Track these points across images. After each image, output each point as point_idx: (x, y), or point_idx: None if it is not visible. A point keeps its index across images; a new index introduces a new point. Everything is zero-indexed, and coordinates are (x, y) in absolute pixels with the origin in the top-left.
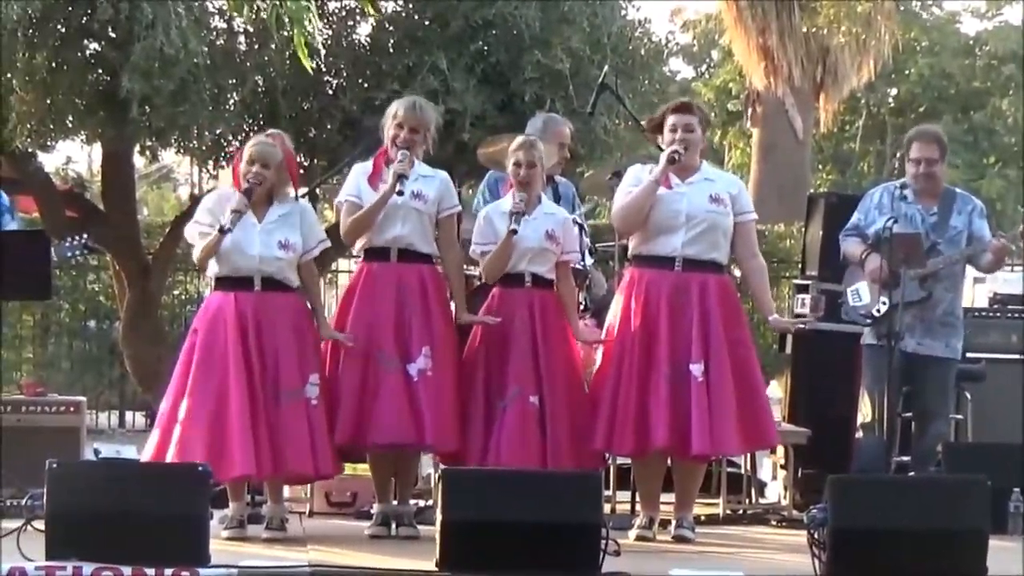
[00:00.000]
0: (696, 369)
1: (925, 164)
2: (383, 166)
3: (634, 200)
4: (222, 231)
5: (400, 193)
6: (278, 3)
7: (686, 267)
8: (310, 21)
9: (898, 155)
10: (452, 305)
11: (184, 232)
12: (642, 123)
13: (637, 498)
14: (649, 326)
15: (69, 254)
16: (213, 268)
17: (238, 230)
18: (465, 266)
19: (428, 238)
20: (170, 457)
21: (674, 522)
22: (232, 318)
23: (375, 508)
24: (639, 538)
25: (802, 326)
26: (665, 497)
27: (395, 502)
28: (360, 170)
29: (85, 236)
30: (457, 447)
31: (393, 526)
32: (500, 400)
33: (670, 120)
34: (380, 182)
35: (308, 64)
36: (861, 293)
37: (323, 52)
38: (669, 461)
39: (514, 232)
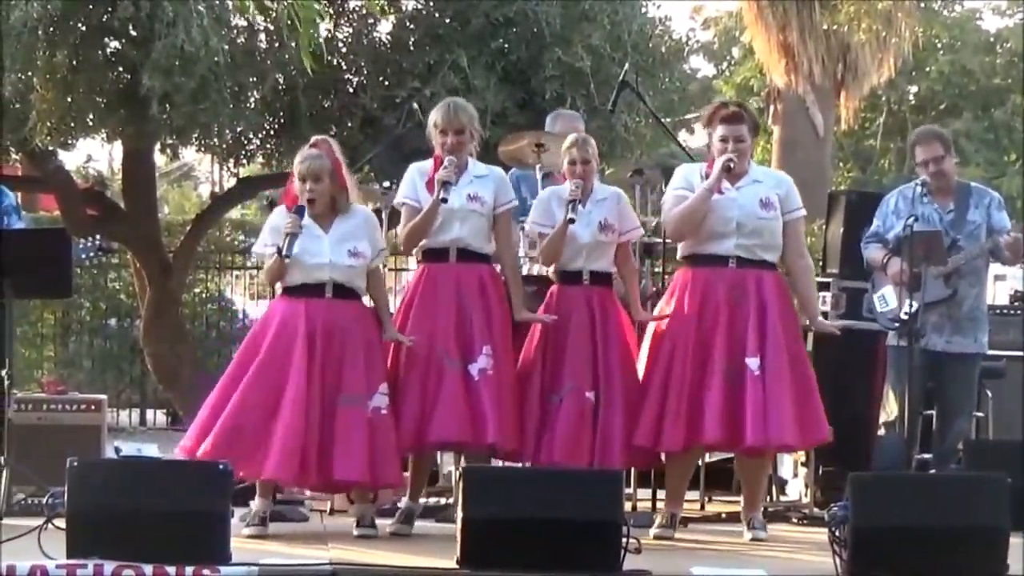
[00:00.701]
0: (752, 363)
1: (933, 163)
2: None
3: (689, 209)
4: (280, 254)
5: (444, 201)
6: (290, 3)
7: (740, 265)
8: (320, 20)
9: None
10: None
11: (254, 251)
12: (662, 120)
13: (658, 495)
14: (706, 325)
15: (83, 255)
16: (281, 284)
17: (307, 242)
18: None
19: (487, 239)
20: (208, 444)
21: (746, 523)
22: (302, 327)
23: (403, 503)
24: (658, 537)
25: (836, 331)
26: (687, 495)
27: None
28: (417, 171)
29: (99, 237)
30: (517, 446)
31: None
32: (555, 395)
33: (720, 130)
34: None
35: (310, 64)
36: (887, 298)
37: (343, 50)
38: (694, 462)
39: (572, 221)
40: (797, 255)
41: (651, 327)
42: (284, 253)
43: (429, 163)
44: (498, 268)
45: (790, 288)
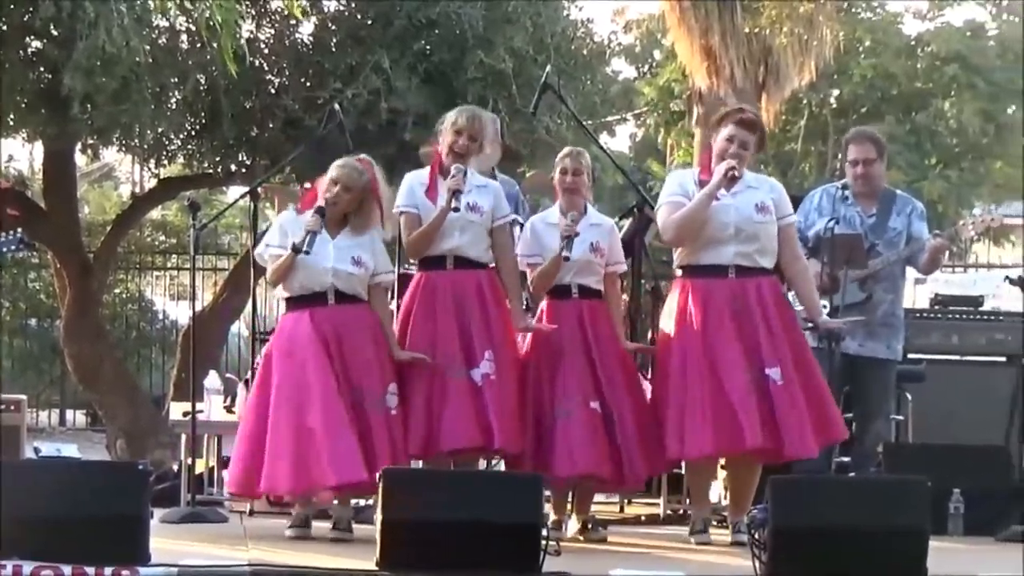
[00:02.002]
0: (774, 374)
1: (863, 165)
2: (438, 174)
3: (690, 214)
4: (295, 250)
5: (456, 210)
6: (208, 6)
7: (740, 274)
8: (243, 21)
9: (839, 157)
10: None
11: (254, 253)
12: (584, 122)
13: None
14: (713, 332)
15: (4, 250)
16: (283, 290)
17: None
18: (406, 265)
19: (485, 248)
20: (261, 484)
21: (731, 526)
22: (310, 334)
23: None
24: (700, 543)
25: (843, 326)
26: (605, 497)
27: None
28: (414, 179)
29: (20, 231)
30: (521, 449)
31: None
32: (559, 411)
33: (730, 129)
34: (436, 192)
35: (233, 67)
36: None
37: (265, 51)
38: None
39: (566, 259)
40: (793, 258)
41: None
42: (304, 249)
43: (426, 171)
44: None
45: (788, 291)
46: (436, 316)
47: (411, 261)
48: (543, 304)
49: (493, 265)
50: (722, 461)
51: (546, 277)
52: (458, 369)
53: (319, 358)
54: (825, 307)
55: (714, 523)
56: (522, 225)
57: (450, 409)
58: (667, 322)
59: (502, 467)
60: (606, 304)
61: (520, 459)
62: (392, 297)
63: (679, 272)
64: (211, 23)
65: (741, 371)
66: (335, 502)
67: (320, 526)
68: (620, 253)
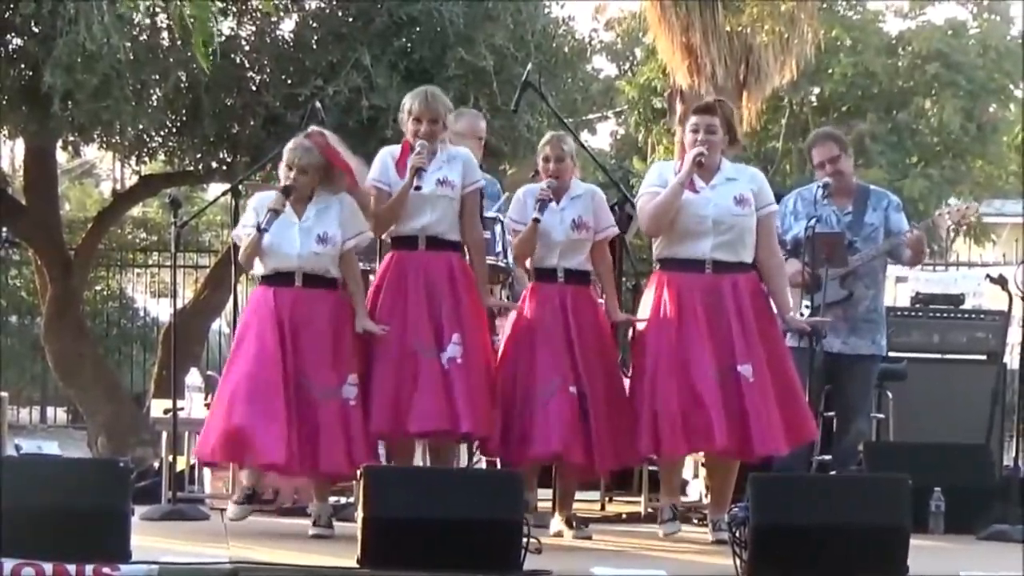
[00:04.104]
0: (745, 370)
1: (830, 164)
2: (410, 152)
3: (661, 205)
4: (259, 230)
5: (418, 188)
6: (180, 3)
7: (716, 269)
8: (223, 18)
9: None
10: None
11: (232, 235)
12: (565, 120)
13: (590, 494)
14: (686, 328)
15: None
16: (258, 267)
17: (278, 228)
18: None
19: (457, 225)
20: (204, 445)
21: (711, 524)
22: (270, 314)
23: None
24: (667, 533)
25: (806, 327)
26: (587, 495)
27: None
28: (388, 154)
29: (3, 229)
30: (490, 432)
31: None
32: (541, 391)
33: (692, 120)
34: (405, 169)
35: (206, 64)
36: None
37: (246, 48)
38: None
39: (536, 220)
40: (769, 253)
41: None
42: (264, 227)
43: (398, 147)
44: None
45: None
46: (407, 297)
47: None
48: (529, 285)
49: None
50: (702, 459)
51: (524, 242)
52: (428, 351)
53: (275, 339)
54: (808, 306)
55: (694, 521)
56: (503, 223)
57: (420, 391)
58: (643, 315)
59: (483, 464)
60: (591, 289)
61: (489, 442)
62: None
63: (656, 265)
64: (184, 20)
65: (711, 368)
66: (314, 499)
67: (300, 523)
68: (608, 218)
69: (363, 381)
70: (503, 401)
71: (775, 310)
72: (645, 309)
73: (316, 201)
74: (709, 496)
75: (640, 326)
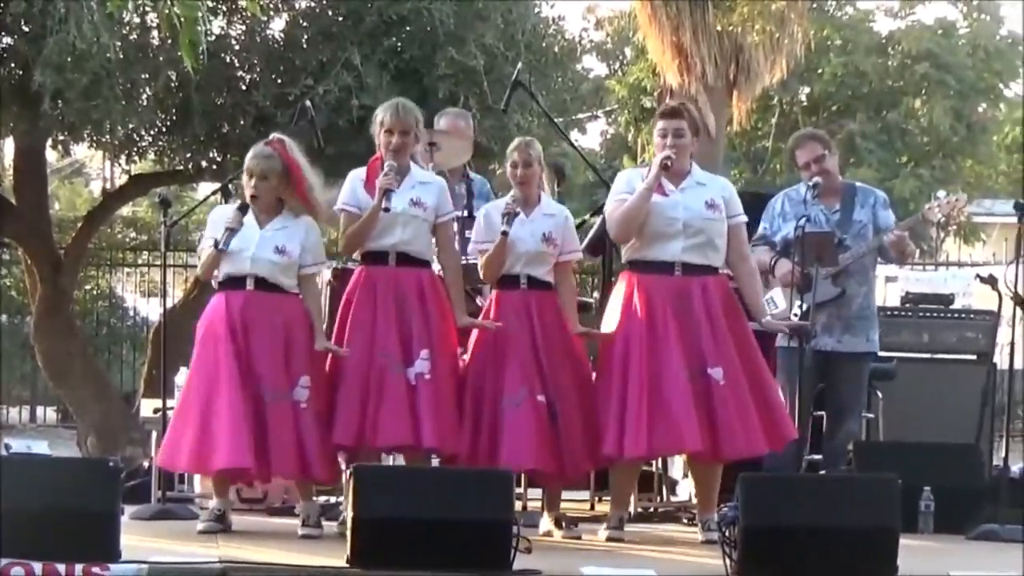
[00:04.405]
0: (716, 373)
1: (815, 164)
2: (377, 170)
3: (630, 209)
4: (217, 248)
5: (387, 210)
6: (168, 2)
7: (686, 272)
8: (213, 19)
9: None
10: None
11: (198, 250)
12: (555, 119)
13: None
14: (655, 329)
15: None
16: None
17: (240, 234)
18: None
19: (427, 244)
20: (162, 453)
21: (700, 523)
22: (222, 317)
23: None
24: (611, 539)
25: (785, 329)
26: (576, 495)
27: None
28: (356, 177)
29: None
30: (459, 450)
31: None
32: (508, 401)
33: (660, 125)
34: (375, 188)
35: (193, 64)
36: (776, 300)
37: (236, 47)
38: (641, 465)
39: (504, 234)
40: (740, 258)
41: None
42: (220, 247)
43: (364, 169)
44: (438, 270)
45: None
46: (376, 311)
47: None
48: (492, 295)
49: (437, 265)
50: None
51: (493, 261)
52: (396, 365)
53: (227, 343)
54: (802, 306)
55: (684, 520)
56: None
57: (384, 405)
58: (611, 316)
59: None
60: (555, 295)
61: (455, 460)
62: None
63: (626, 266)
64: (172, 19)
65: (680, 371)
66: (300, 499)
67: (289, 523)
68: (574, 242)
69: (329, 394)
70: (471, 412)
71: (750, 314)
72: (614, 310)
73: (284, 218)
74: (695, 497)
75: (607, 329)
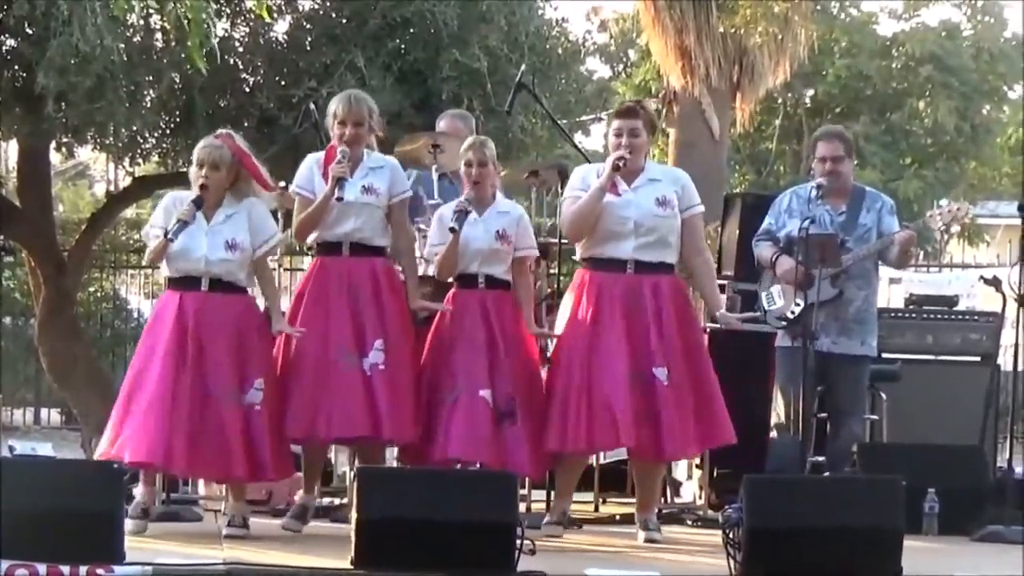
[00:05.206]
0: (660, 373)
1: (831, 162)
2: (334, 157)
3: (582, 209)
4: (167, 237)
5: (340, 199)
6: (176, 3)
7: (638, 270)
8: (218, 20)
9: (810, 157)
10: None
11: (141, 234)
12: (559, 121)
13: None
14: (602, 328)
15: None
16: (165, 269)
17: (184, 234)
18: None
19: (382, 231)
20: (104, 444)
21: (640, 524)
22: (173, 317)
23: (298, 498)
24: (549, 535)
25: (741, 325)
26: (580, 496)
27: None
28: (313, 160)
29: (1, 237)
30: (415, 439)
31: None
32: (449, 396)
33: (615, 124)
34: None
35: (202, 65)
36: (775, 296)
37: (240, 49)
38: (595, 461)
39: (453, 231)
40: (696, 252)
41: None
42: (170, 236)
43: (323, 153)
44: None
45: (690, 286)
46: (329, 302)
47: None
48: (451, 292)
49: (390, 252)
50: (696, 460)
51: (446, 260)
52: (348, 356)
53: (172, 345)
54: (799, 304)
55: (688, 522)
56: None
57: (336, 396)
58: (563, 313)
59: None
60: (512, 295)
61: (413, 448)
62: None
63: (581, 263)
64: (180, 21)
65: (623, 368)
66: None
67: (273, 522)
68: (529, 239)
69: (281, 386)
70: (425, 405)
71: (707, 308)
72: (566, 307)
73: (226, 207)
74: (638, 497)
75: (559, 329)
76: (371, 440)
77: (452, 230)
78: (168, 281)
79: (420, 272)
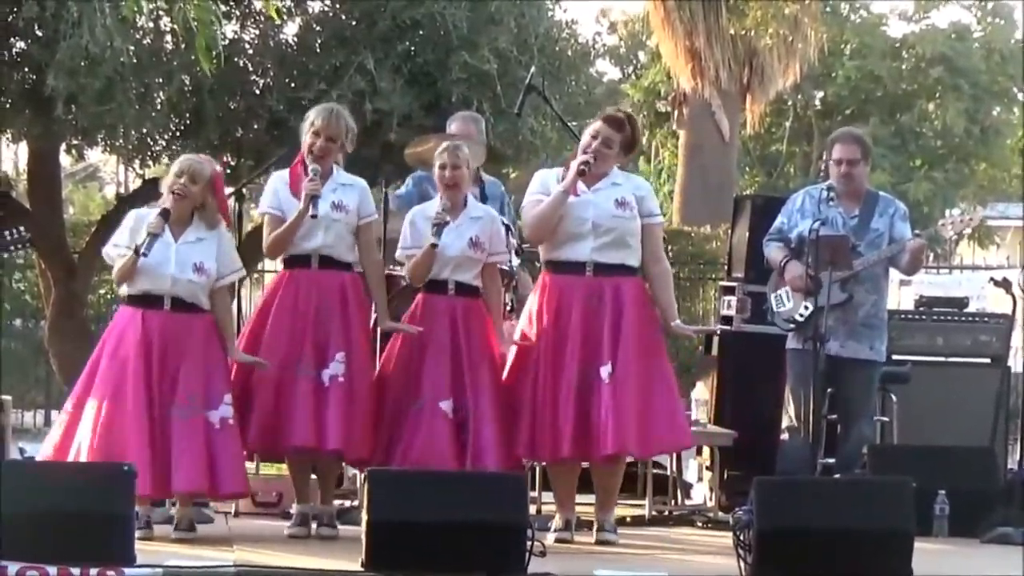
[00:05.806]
0: (604, 371)
1: (847, 164)
2: (300, 174)
3: (544, 211)
4: (137, 253)
5: (314, 216)
6: (184, 4)
7: (598, 272)
8: (227, 22)
9: (823, 157)
10: (374, 312)
11: (103, 251)
12: (568, 123)
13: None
14: (560, 331)
15: (12, 248)
16: (124, 287)
17: (157, 248)
18: (392, 266)
19: (349, 247)
20: (49, 448)
21: (596, 524)
22: (137, 336)
23: (294, 508)
24: (558, 540)
25: (715, 331)
26: (585, 499)
27: (314, 502)
28: (279, 179)
29: (22, 228)
30: (367, 454)
31: (313, 526)
32: (413, 405)
33: (596, 125)
34: (300, 191)
35: (208, 66)
36: (784, 298)
37: (250, 51)
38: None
39: (434, 246)
40: (654, 260)
41: (518, 330)
42: (143, 251)
43: (287, 172)
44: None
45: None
46: (294, 313)
47: (396, 263)
48: (418, 297)
49: (359, 268)
50: (706, 462)
51: (420, 267)
52: (306, 368)
53: (139, 366)
54: (808, 308)
55: (699, 524)
56: (508, 228)
57: (292, 407)
58: (523, 316)
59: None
60: (481, 303)
61: (367, 464)
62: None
63: (543, 266)
64: (188, 23)
65: (573, 374)
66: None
67: (283, 525)
68: (501, 244)
69: (243, 398)
70: (387, 414)
71: (661, 316)
72: (528, 311)
73: (195, 229)
74: (596, 498)
75: (517, 334)
76: (319, 452)
77: (433, 245)
78: (128, 298)
79: (387, 271)
